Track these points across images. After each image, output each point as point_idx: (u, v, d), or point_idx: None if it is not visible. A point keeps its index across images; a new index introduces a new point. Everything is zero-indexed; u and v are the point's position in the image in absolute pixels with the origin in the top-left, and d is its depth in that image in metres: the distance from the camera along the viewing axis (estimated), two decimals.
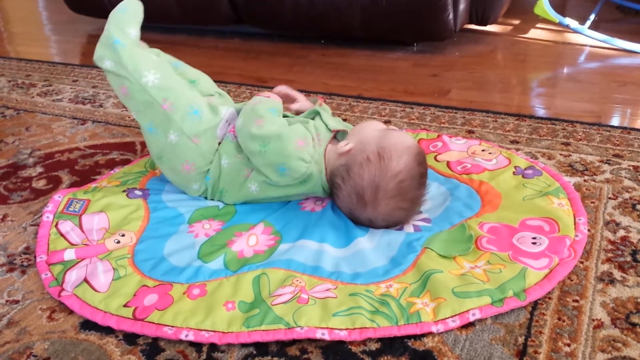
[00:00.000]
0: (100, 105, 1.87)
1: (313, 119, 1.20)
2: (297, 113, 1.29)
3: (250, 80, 2.09)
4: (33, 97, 1.99)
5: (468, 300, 0.87)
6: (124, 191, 1.23)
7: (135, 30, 1.19)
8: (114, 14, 1.18)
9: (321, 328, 0.85)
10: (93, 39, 2.95)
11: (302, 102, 1.26)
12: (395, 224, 1.09)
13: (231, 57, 2.46)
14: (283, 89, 1.28)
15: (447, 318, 0.86)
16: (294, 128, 1.11)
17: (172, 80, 1.16)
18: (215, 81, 2.05)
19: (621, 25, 2.62)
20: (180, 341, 0.85)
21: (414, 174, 1.06)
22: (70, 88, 2.08)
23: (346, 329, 0.85)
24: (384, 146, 1.07)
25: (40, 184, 1.36)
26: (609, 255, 1.01)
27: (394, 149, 1.06)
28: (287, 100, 1.29)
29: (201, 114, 1.14)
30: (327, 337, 0.84)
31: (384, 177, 1.04)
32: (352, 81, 2.05)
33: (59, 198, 1.21)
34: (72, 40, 2.96)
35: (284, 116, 1.19)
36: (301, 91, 1.89)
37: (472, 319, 0.86)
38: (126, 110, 1.81)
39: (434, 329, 0.85)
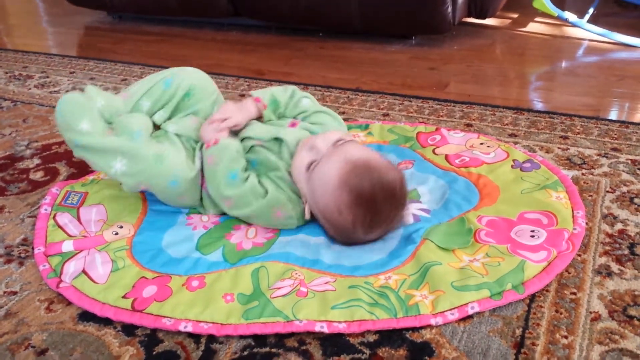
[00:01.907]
0: None
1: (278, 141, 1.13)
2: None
3: (248, 73, 2.09)
4: (30, 88, 1.99)
5: (467, 294, 0.88)
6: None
7: (87, 124, 1.05)
8: (56, 119, 1.08)
9: (320, 321, 0.85)
10: (90, 31, 2.94)
11: (241, 119, 1.14)
12: (395, 229, 1.05)
13: (229, 50, 2.46)
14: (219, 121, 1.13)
15: (446, 311, 0.86)
16: (269, 201, 1.04)
17: (140, 157, 1.05)
18: (212, 73, 2.05)
19: (620, 19, 2.62)
20: (179, 332, 0.86)
21: (369, 210, 0.97)
22: (68, 80, 2.07)
23: (345, 322, 0.85)
24: (321, 208, 1.01)
25: (38, 175, 1.36)
26: (607, 248, 1.01)
27: (330, 208, 0.99)
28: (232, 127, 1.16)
29: (180, 182, 1.07)
30: (326, 330, 0.84)
31: (348, 229, 1.00)
32: (350, 74, 2.04)
33: (57, 191, 1.21)
34: (69, 32, 2.95)
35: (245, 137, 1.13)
36: (299, 84, 1.90)
37: (470, 312, 0.86)
38: None
39: (432, 321, 0.85)
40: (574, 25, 2.44)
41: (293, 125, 1.15)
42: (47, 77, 2.12)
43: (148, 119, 1.12)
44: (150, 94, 1.13)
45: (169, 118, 1.16)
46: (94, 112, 1.06)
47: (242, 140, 1.13)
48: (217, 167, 1.07)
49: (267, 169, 1.09)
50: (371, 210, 0.97)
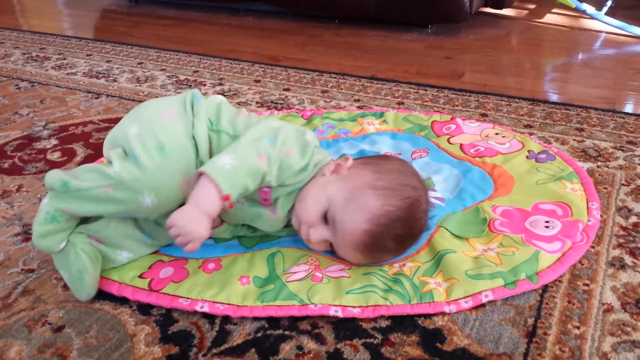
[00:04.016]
0: (115, 80, 1.88)
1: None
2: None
3: (263, 59, 2.09)
4: (47, 70, 2.00)
5: (481, 282, 0.88)
6: None
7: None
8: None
9: (334, 305, 0.85)
10: (106, 13, 2.95)
11: (205, 232, 0.86)
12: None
13: (244, 35, 2.46)
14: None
15: (460, 299, 0.86)
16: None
17: None
18: (228, 58, 2.06)
19: (638, 12, 2.59)
20: (194, 313, 0.86)
21: (403, 245, 0.94)
22: (85, 62, 2.08)
23: (359, 307, 0.85)
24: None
25: (55, 156, 1.37)
26: (621, 240, 1.01)
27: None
28: None
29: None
30: (340, 314, 0.84)
31: None
32: (365, 62, 2.04)
33: None
34: (86, 15, 2.96)
35: None
36: (314, 71, 1.90)
37: (484, 300, 0.86)
38: (140, 85, 1.82)
39: (446, 309, 0.85)
40: (591, 17, 2.42)
41: (265, 200, 0.95)
42: (65, 59, 2.13)
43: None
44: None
45: None
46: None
47: None
48: None
49: None
50: (404, 244, 0.94)
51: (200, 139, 0.92)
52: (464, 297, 0.86)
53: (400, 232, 0.90)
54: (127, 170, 0.86)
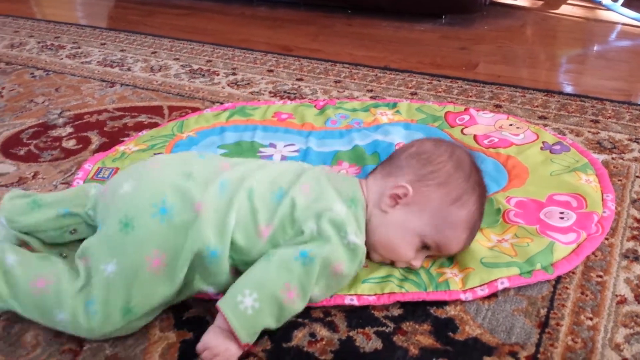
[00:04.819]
0: (129, 69, 1.88)
1: None
2: None
3: (276, 49, 2.09)
4: (62, 58, 2.01)
5: (496, 270, 0.88)
6: (151, 157, 1.24)
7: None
8: None
9: (350, 295, 0.86)
10: (120, 2, 2.96)
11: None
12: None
13: (257, 25, 2.46)
14: None
15: (476, 287, 0.86)
16: None
17: None
18: (241, 48, 2.07)
19: None
20: (209, 299, 0.87)
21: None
22: (99, 51, 2.09)
23: (375, 295, 0.85)
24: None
25: (70, 143, 1.38)
26: (635, 232, 1.00)
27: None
28: None
29: None
30: (356, 302, 0.84)
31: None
32: (378, 52, 2.03)
33: (89, 167, 1.23)
34: (100, 4, 2.97)
35: None
36: (327, 61, 1.90)
37: (500, 287, 0.86)
38: (154, 74, 1.83)
39: (462, 296, 0.85)
40: (607, 8, 2.40)
41: None
42: (79, 47, 2.14)
43: None
44: None
45: None
46: None
47: None
48: None
49: None
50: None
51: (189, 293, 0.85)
52: (480, 285, 0.86)
53: (482, 211, 0.94)
54: (89, 327, 0.78)
